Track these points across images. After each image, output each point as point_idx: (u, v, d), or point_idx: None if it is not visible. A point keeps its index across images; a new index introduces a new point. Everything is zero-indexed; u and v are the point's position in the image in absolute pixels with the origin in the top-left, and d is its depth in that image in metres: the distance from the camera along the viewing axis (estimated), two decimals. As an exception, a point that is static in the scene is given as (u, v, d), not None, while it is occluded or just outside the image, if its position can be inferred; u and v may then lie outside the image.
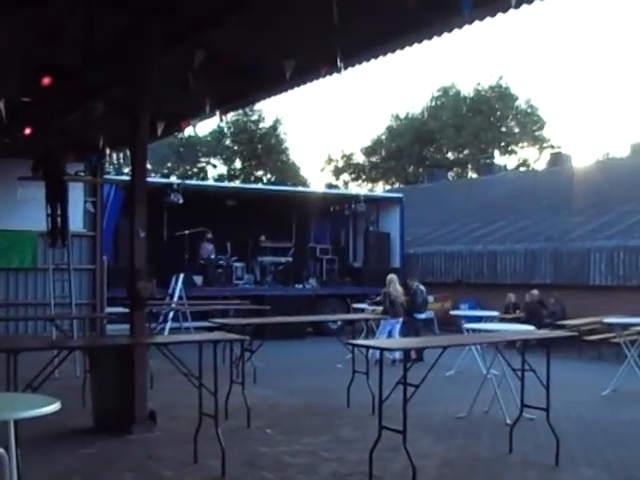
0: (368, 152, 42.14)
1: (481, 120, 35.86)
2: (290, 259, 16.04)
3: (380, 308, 11.47)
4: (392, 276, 11.14)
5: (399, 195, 17.98)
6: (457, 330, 11.39)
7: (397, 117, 41.43)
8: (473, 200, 21.80)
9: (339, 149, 57.84)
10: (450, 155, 39.05)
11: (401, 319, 10.90)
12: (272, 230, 16.28)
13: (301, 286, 15.87)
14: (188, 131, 15.08)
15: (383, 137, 41.79)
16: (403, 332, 11.00)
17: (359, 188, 42.58)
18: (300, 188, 24.58)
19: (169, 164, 38.15)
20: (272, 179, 38.89)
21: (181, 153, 37.26)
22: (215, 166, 40.47)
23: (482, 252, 16.68)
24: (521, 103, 36.93)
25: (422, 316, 11.62)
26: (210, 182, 29.22)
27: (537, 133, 36.98)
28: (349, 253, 17.90)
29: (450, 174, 37.13)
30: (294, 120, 64.20)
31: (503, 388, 6.87)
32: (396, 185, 39.28)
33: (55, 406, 2.92)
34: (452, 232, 19.21)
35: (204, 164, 40.55)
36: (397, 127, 40.99)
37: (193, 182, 19.16)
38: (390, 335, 10.77)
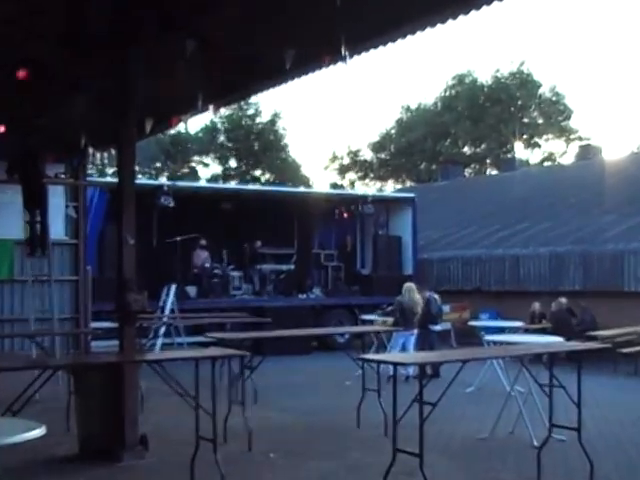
0: (376, 148, 42.23)
1: (501, 110, 35.90)
2: (292, 267, 16.11)
3: (391, 319, 11.55)
4: (410, 285, 11.20)
5: (411, 195, 18.03)
6: (477, 343, 11.46)
7: (408, 109, 41.55)
8: (493, 199, 21.83)
9: (344, 145, 58.17)
10: (467, 150, 39.09)
11: (415, 331, 10.93)
12: (272, 235, 16.35)
13: (304, 296, 15.94)
14: (178, 127, 15.19)
15: (392, 131, 41.87)
16: (417, 345, 11.02)
17: (367, 188, 42.66)
18: (302, 189, 24.69)
19: (157, 164, 38.27)
20: (271, 179, 39.01)
21: (171, 152, 37.34)
22: (208, 165, 40.67)
23: (503, 256, 16.65)
24: (545, 91, 36.96)
25: (438, 328, 11.65)
26: (203, 183, 29.35)
27: (563, 124, 36.95)
28: (356, 259, 17.97)
29: (467, 171, 37.18)
30: (294, 114, 64.49)
31: (529, 406, 6.86)
32: (407, 184, 39.37)
33: (39, 431, 2.96)
34: (470, 235, 19.24)
35: (196, 163, 40.70)
36: (408, 120, 41.06)
37: (184, 183, 19.29)
38: (403, 349, 10.81)
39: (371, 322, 13.01)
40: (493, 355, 7.01)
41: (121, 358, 5.76)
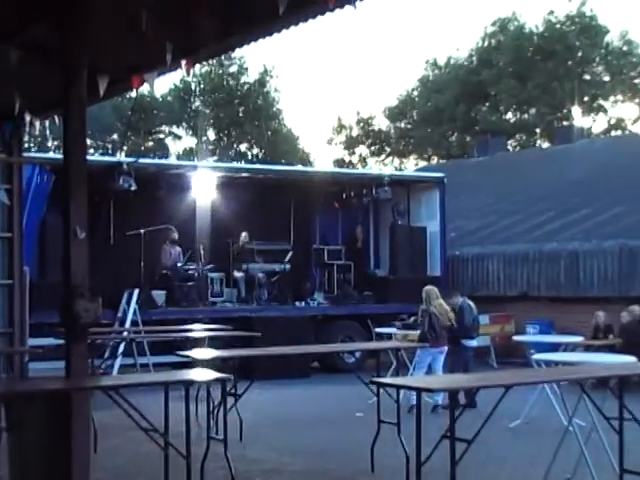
0: (394, 115, 42.38)
1: (555, 65, 35.84)
2: (287, 266, 16.15)
3: (415, 333, 11.58)
4: (430, 288, 11.29)
5: (439, 175, 18.02)
6: (523, 363, 11.46)
7: (435, 64, 41.63)
8: (545, 179, 21.85)
9: (353, 111, 58.32)
10: (510, 116, 39.14)
11: (445, 348, 11.02)
12: (262, 227, 16.41)
13: (303, 304, 16.06)
14: (141, 89, 15.08)
15: (415, 93, 41.98)
16: (448, 366, 11.12)
17: (382, 166, 42.88)
18: (300, 167, 24.96)
19: (115, 136, 38.42)
20: (260, 155, 39.28)
21: (132, 120, 37.24)
22: (179, 137, 40.90)
23: (558, 253, 16.67)
24: (613, 39, 36.81)
25: (473, 344, 11.74)
26: (173, 160, 29.51)
27: (637, 81, 36.68)
28: (369, 257, 18.04)
29: (511, 143, 37.20)
30: (290, 73, 64.81)
31: (593, 444, 6.89)
32: (434, 160, 39.46)
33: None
34: (514, 225, 19.27)
35: (164, 135, 40.82)
36: (435, 79, 41.18)
37: (149, 161, 19.34)
38: (430, 370, 10.89)
39: (389, 337, 13.18)
40: (545, 379, 7.06)
41: (68, 385, 5.73)
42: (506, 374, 6.95)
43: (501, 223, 19.76)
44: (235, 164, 27.02)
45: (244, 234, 16.09)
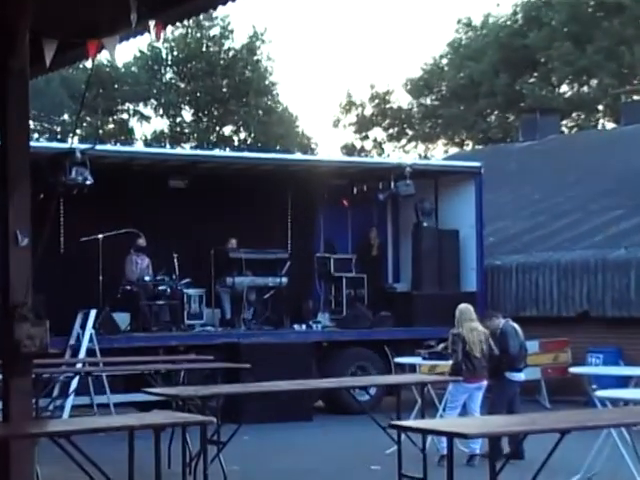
0: (417, 89, 42.35)
1: (622, 24, 35.78)
2: (284, 280, 16.20)
3: (445, 363, 11.59)
4: (465, 307, 11.30)
5: (474, 164, 17.95)
6: (584, 402, 11.58)
7: (469, 25, 41.64)
8: (609, 169, 21.78)
9: (366, 85, 58.17)
10: (565, 89, 39.11)
11: (484, 383, 11.01)
12: (252, 231, 16.44)
13: (304, 327, 16.15)
14: (99, 58, 14.99)
15: (444, 61, 41.95)
16: (488, 405, 11.11)
17: (403, 153, 42.74)
18: (299, 155, 24.97)
19: (65, 116, 38.36)
20: (249, 140, 39.30)
21: (87, 97, 37.24)
22: (147, 118, 40.80)
23: (627, 262, 16.57)
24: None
25: (519, 377, 11.63)
26: (139, 147, 29.77)
27: None
28: (387, 268, 17.99)
29: (565, 123, 37.11)
30: (286, 36, 64.61)
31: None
32: (468, 146, 39.49)
33: None
34: (571, 227, 19.26)
35: (128, 115, 40.85)
36: (469, 43, 41.16)
37: (110, 148, 19.51)
38: (465, 411, 10.86)
39: (412, 368, 13.20)
40: (611, 422, 7.02)
41: (6, 430, 5.77)
42: (561, 416, 6.93)
43: (554, 225, 19.74)
44: (218, 152, 26.87)
45: (232, 241, 16.18)
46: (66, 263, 14.84)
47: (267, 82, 40.54)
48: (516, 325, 11.72)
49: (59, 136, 36.08)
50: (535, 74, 38.73)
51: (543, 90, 38.23)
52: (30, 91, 6.20)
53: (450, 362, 11.16)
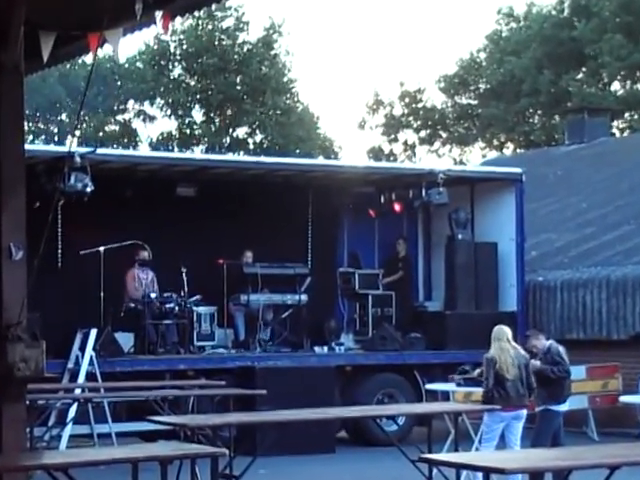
0: (452, 87, 42.18)
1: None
2: (304, 297, 16.27)
3: (481, 391, 11.46)
4: (498, 328, 11.26)
5: (515, 170, 17.88)
6: (637, 434, 11.86)
7: (510, 16, 41.43)
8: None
9: (395, 83, 57.69)
10: (617, 87, 38.83)
11: (523, 412, 10.96)
12: (268, 242, 16.46)
13: (325, 349, 16.16)
14: (101, 52, 14.95)
15: (482, 56, 41.75)
16: (529, 437, 10.98)
17: (436, 157, 42.56)
18: (321, 160, 25.29)
19: (63, 116, 38.39)
20: (266, 143, 39.13)
21: (88, 95, 37.43)
22: (153, 119, 40.81)
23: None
24: None
25: (563, 407, 11.49)
26: (145, 152, 29.89)
27: None
28: (417, 285, 18.03)
29: (617, 124, 36.85)
30: (307, 29, 64.41)
31: None
32: (508, 150, 39.34)
33: None
34: (622, 240, 19.12)
35: (132, 115, 40.88)
36: (509, 35, 41.00)
37: (112, 152, 19.51)
38: (503, 443, 10.84)
39: (445, 396, 13.36)
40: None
41: (-2, 462, 5.75)
42: (611, 449, 6.86)
43: (603, 237, 19.55)
44: (231, 156, 26.86)
45: (247, 254, 16.15)
46: (64, 278, 14.90)
47: (286, 79, 40.51)
48: (561, 348, 11.60)
49: (57, 138, 36.18)
50: (583, 70, 38.47)
51: (592, 88, 37.93)
52: (25, 89, 6.21)
53: (483, 389, 11.13)
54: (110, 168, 14.58)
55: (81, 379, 13.49)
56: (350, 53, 62.86)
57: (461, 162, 39.58)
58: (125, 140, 38.43)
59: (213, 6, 31.52)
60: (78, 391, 13.30)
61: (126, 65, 39.16)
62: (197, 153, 33.30)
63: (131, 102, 40.46)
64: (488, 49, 41.60)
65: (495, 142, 41.79)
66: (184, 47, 39.43)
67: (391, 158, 42.23)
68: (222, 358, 15.31)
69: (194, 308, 15.59)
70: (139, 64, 39.61)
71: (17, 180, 6.04)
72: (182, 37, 39.22)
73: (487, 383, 10.92)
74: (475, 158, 41.16)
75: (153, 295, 15.33)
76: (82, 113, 35.10)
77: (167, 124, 40.74)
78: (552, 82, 37.98)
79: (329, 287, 17.27)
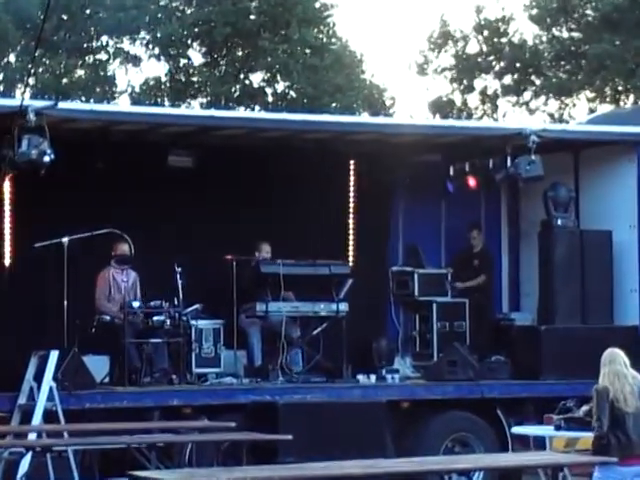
0: (548, 15, 39.91)
1: None
2: (343, 306, 15.47)
3: (589, 435, 10.90)
4: (611, 351, 10.68)
5: (636, 130, 16.74)
6: None
7: None
8: None
9: (469, 9, 55.72)
10: None
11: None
12: (293, 232, 16.13)
13: (373, 379, 15.38)
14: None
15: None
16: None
17: (526, 113, 41.63)
18: (366, 118, 24.56)
19: (12, 57, 37.55)
20: (290, 94, 37.66)
21: (46, 29, 35.21)
22: (137, 61, 39.41)
23: None
24: None
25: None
26: (123, 106, 29.54)
27: None
28: (500, 290, 17.52)
29: None
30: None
31: None
32: (626, 103, 38.08)
33: None
34: None
35: (106, 56, 39.51)
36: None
37: (78, 106, 19.29)
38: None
39: (540, 442, 12.89)
40: None
41: None
42: None
43: None
44: (242, 112, 26.43)
45: (264, 247, 15.47)
46: (13, 281, 14.38)
47: (318, 4, 38.27)
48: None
49: (1, 88, 35.82)
50: None
51: None
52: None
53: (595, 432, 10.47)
54: (77, 129, 14.09)
55: (37, 420, 12.81)
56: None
57: (561, 119, 38.23)
58: (97, 90, 37.48)
59: None
60: (33, 436, 12.66)
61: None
62: (196, 108, 32.83)
63: (105, 38, 38.81)
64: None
65: (608, 91, 39.81)
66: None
67: (464, 114, 40.97)
68: (231, 391, 14.45)
69: (192, 322, 14.90)
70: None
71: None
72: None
73: (600, 424, 10.28)
74: (580, 114, 39.23)
75: (136, 304, 14.73)
76: (38, 53, 34.96)
77: (155, 68, 39.18)
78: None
79: (378, 293, 16.61)
